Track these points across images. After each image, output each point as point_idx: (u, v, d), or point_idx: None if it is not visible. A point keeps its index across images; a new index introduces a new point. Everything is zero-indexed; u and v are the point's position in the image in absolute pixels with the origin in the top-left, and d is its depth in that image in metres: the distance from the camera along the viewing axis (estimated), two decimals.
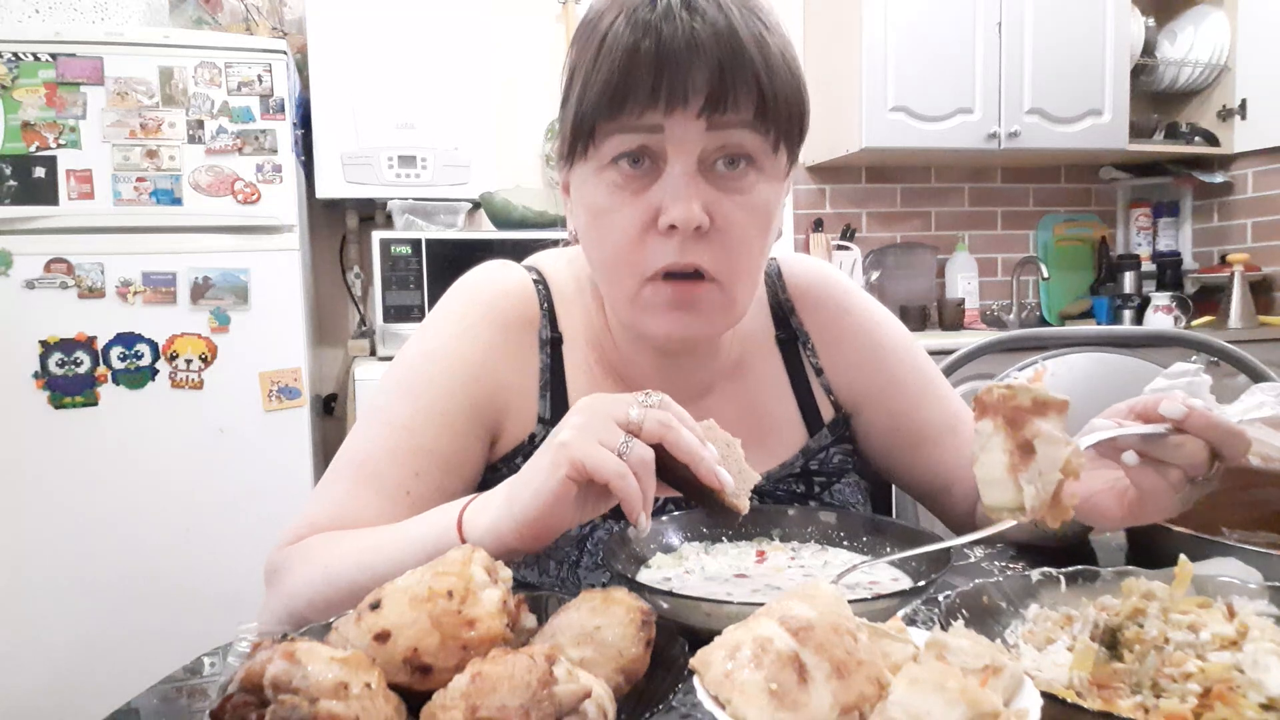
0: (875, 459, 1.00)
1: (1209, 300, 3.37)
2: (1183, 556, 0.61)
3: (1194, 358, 1.33)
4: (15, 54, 2.11)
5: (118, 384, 2.17)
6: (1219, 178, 3.46)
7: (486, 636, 0.48)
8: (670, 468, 0.63)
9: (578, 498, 0.62)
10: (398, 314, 2.41)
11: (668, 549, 0.79)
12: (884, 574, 0.74)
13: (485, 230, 2.74)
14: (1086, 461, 0.61)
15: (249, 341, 2.25)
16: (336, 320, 2.95)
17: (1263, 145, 3.32)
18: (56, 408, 2.14)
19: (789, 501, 0.92)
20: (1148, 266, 3.51)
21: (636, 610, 0.53)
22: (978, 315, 3.42)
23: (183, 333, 2.21)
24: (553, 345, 0.90)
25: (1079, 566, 0.66)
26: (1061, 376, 1.36)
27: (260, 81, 2.25)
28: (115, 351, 2.17)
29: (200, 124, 2.22)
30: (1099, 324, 3.36)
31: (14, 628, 2.12)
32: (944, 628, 0.53)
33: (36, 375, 2.13)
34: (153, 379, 2.20)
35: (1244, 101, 3.36)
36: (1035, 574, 0.65)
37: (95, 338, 2.16)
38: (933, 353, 1.02)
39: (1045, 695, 0.46)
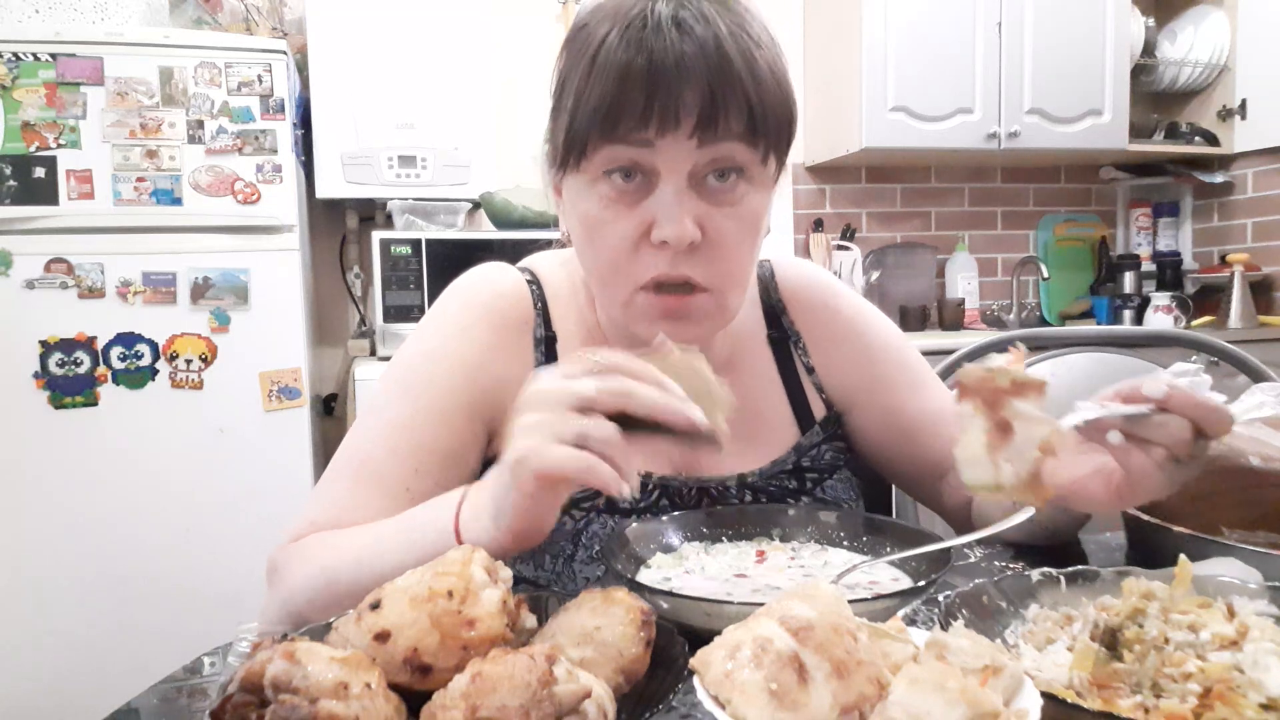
0: (869, 454, 1.01)
1: (1209, 300, 3.37)
2: (1183, 556, 0.61)
3: (1194, 358, 1.33)
4: (15, 54, 2.11)
5: (118, 384, 2.17)
6: (1219, 178, 3.46)
7: (486, 636, 0.48)
8: (641, 418, 0.61)
9: (555, 496, 0.62)
10: (398, 314, 2.41)
11: (668, 549, 0.80)
12: (884, 574, 0.74)
13: (485, 230, 2.74)
14: (1069, 441, 0.61)
15: (249, 341, 2.25)
16: (336, 320, 2.95)
17: (1263, 145, 3.32)
18: (56, 408, 2.14)
19: (781, 498, 0.92)
20: (1148, 266, 3.51)
21: (636, 610, 0.53)
22: (978, 315, 3.43)
23: (183, 333, 2.21)
24: (547, 344, 0.92)
25: (1079, 567, 0.66)
26: (1061, 376, 1.36)
27: (260, 81, 2.25)
28: (115, 351, 2.17)
29: (200, 124, 2.22)
30: (1099, 324, 3.36)
31: (14, 627, 2.12)
32: (944, 628, 0.53)
33: (36, 375, 2.13)
34: (153, 379, 2.20)
35: (1244, 101, 3.36)
36: (1035, 574, 0.65)
37: (95, 338, 2.16)
38: (932, 353, 1.03)
39: (1045, 695, 0.46)
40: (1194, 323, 3.25)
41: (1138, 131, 3.30)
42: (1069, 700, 0.48)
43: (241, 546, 2.15)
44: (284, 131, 2.28)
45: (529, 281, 0.94)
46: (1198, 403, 0.64)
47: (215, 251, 2.23)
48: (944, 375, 1.29)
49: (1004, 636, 0.60)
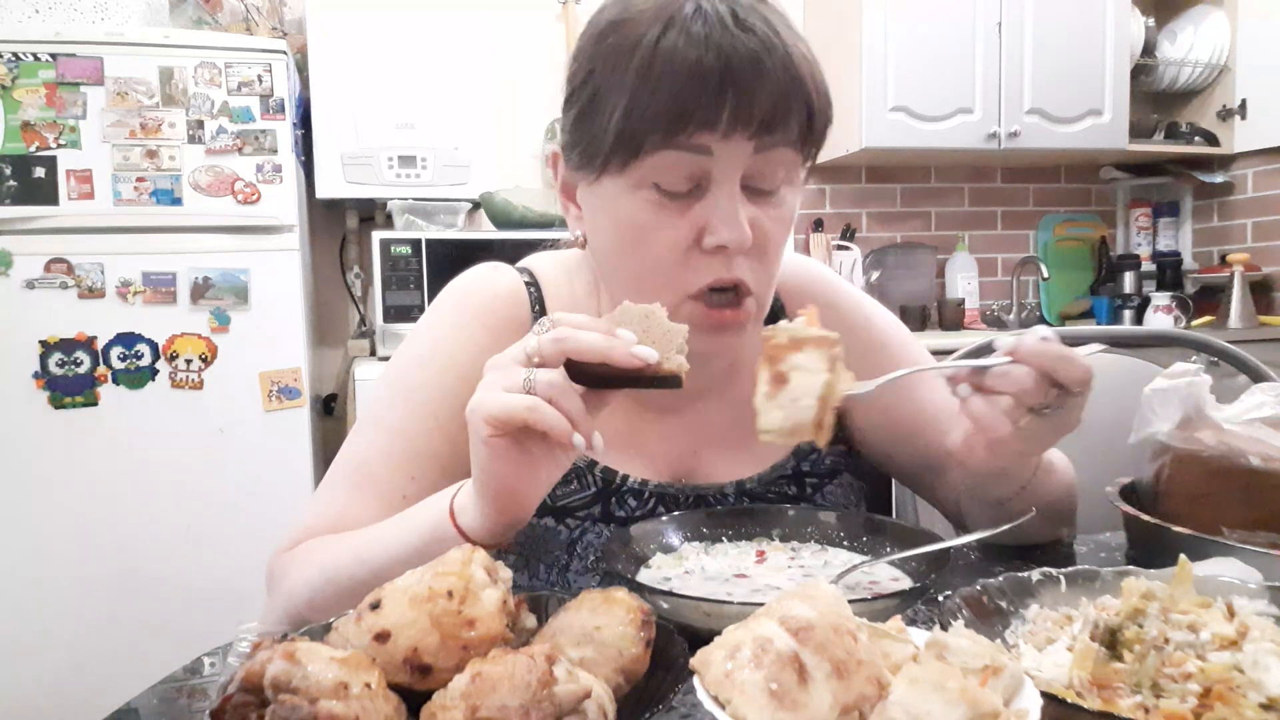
0: (871, 451, 1.00)
1: (1209, 300, 3.37)
2: (1183, 556, 0.61)
3: (1194, 358, 1.33)
4: (15, 54, 2.11)
5: (118, 384, 2.17)
6: (1219, 178, 3.46)
7: (486, 636, 0.48)
8: (604, 372, 0.62)
9: (521, 453, 0.62)
10: (398, 314, 2.41)
11: (668, 549, 0.80)
12: (884, 574, 0.74)
13: (485, 230, 2.74)
14: (853, 387, 0.66)
15: (249, 341, 2.25)
16: (336, 320, 2.95)
17: (1263, 145, 3.32)
18: (56, 408, 2.14)
19: (780, 504, 0.91)
20: (1148, 266, 3.51)
21: (636, 610, 0.53)
22: (978, 315, 3.43)
23: (183, 333, 2.21)
24: None
25: (1079, 567, 0.66)
26: None
27: (260, 81, 2.25)
28: (115, 351, 2.17)
29: (200, 124, 2.22)
30: (1099, 324, 3.36)
31: (14, 627, 2.12)
32: (944, 628, 0.53)
33: (36, 375, 2.13)
34: (153, 379, 2.20)
35: (1244, 101, 3.36)
36: (1035, 574, 0.65)
37: (95, 338, 2.16)
38: (933, 353, 1.02)
39: (1045, 695, 0.46)
40: (1194, 323, 3.25)
41: (1138, 131, 3.30)
42: (1069, 700, 0.49)
43: (241, 546, 2.15)
44: (284, 131, 2.28)
45: (527, 283, 0.92)
46: (1043, 350, 0.67)
47: (215, 251, 2.23)
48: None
49: (1004, 636, 0.60)
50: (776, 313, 0.98)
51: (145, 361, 2.19)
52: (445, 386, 0.84)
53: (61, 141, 2.14)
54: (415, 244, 2.42)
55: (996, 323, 3.48)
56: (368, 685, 0.44)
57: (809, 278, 1.00)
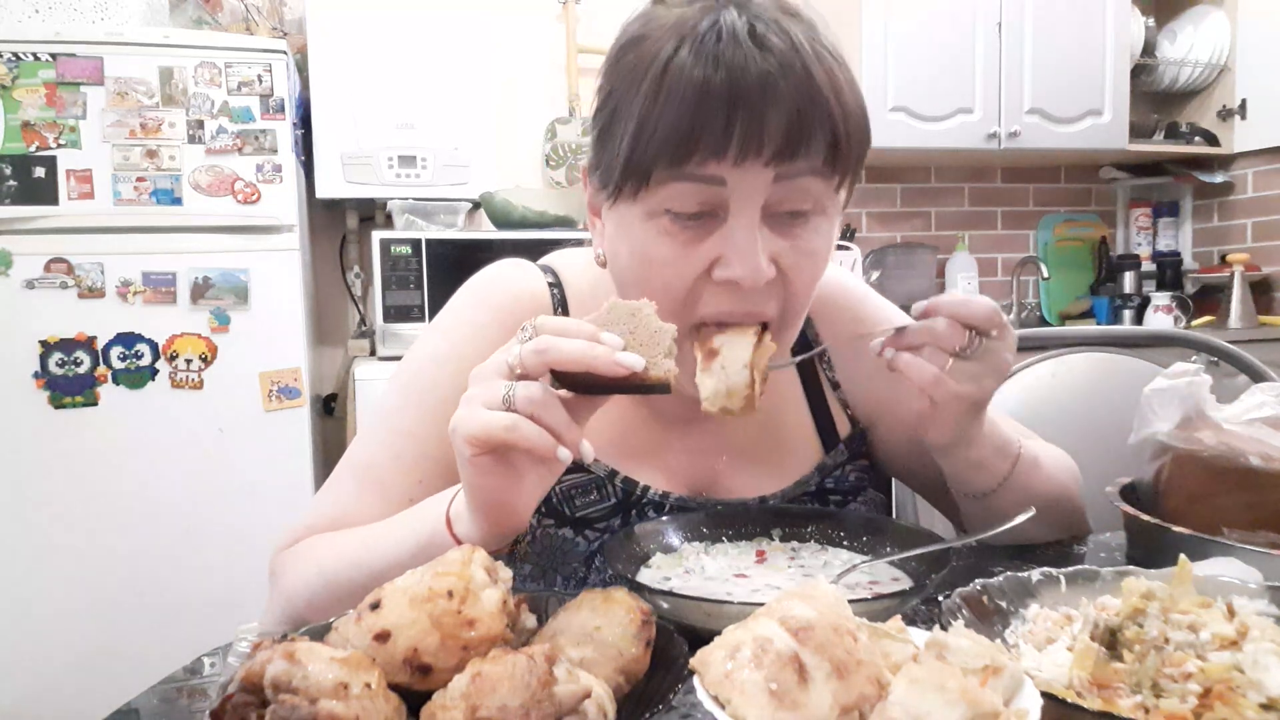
0: (892, 467, 0.98)
1: (1209, 300, 3.37)
2: (1183, 556, 0.61)
3: (1194, 358, 1.33)
4: (15, 54, 2.11)
5: (118, 384, 2.17)
6: (1219, 178, 3.45)
7: (486, 636, 0.48)
8: (589, 379, 0.60)
9: (507, 467, 0.61)
10: (398, 314, 2.41)
11: (668, 549, 0.79)
12: (884, 574, 0.74)
13: (485, 230, 2.74)
14: (785, 365, 0.76)
15: (249, 341, 2.25)
16: (336, 320, 2.95)
17: (1263, 145, 3.32)
18: (56, 408, 2.14)
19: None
20: (1148, 266, 3.51)
21: (636, 610, 0.53)
22: None
23: (183, 333, 2.21)
24: None
25: (1079, 567, 0.66)
26: (1061, 376, 1.36)
27: (260, 81, 2.25)
28: (115, 351, 2.17)
29: (200, 124, 2.22)
30: (1099, 324, 3.36)
31: (14, 627, 2.12)
32: (944, 628, 0.53)
33: (36, 375, 2.13)
34: (153, 379, 2.20)
35: (1244, 101, 3.36)
36: (1035, 574, 0.65)
37: (95, 338, 2.16)
38: None
39: (1045, 695, 0.46)
40: (1194, 323, 3.25)
41: (1138, 131, 3.30)
42: (1069, 700, 0.49)
43: (241, 546, 2.15)
44: (284, 131, 2.28)
45: (550, 283, 0.89)
46: (946, 301, 0.74)
47: (215, 251, 2.23)
48: None
49: (1004, 636, 0.60)
50: (804, 332, 0.95)
51: (145, 361, 2.19)
52: (459, 389, 0.82)
53: (61, 141, 2.14)
54: (415, 244, 2.42)
55: None
56: (368, 685, 0.44)
57: (836, 289, 0.96)
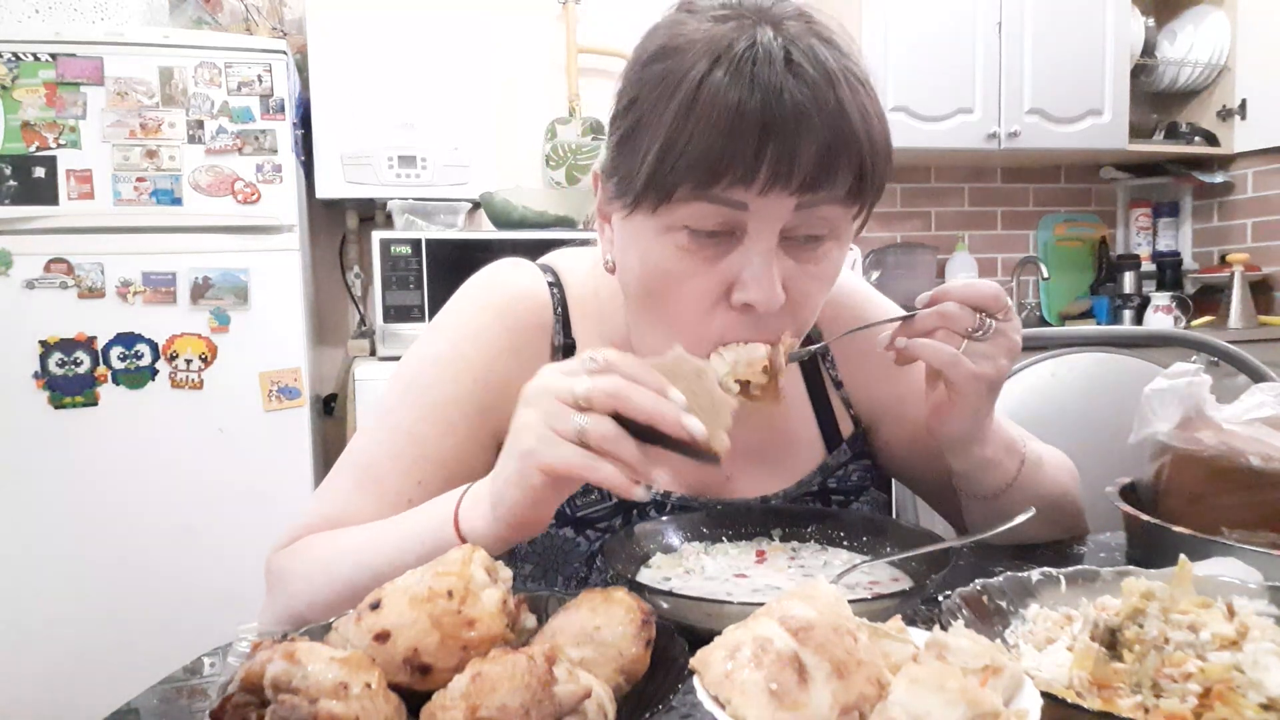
0: (895, 468, 0.98)
1: (1209, 300, 3.37)
2: (1183, 556, 0.61)
3: (1194, 358, 1.33)
4: (15, 54, 2.11)
5: (118, 384, 2.17)
6: (1219, 178, 3.45)
7: (486, 636, 0.48)
8: (642, 427, 0.60)
9: (558, 494, 0.61)
10: (398, 314, 2.41)
11: (668, 549, 0.80)
12: (884, 574, 0.74)
13: (485, 230, 2.74)
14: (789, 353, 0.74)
15: (249, 341, 2.25)
16: (336, 320, 2.95)
17: (1263, 145, 3.32)
18: (56, 408, 2.14)
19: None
20: (1148, 266, 3.51)
21: (636, 610, 0.53)
22: None
23: (183, 333, 2.21)
24: (565, 352, 0.87)
25: (1079, 567, 0.66)
26: (1061, 376, 1.36)
27: (260, 81, 2.25)
28: (115, 351, 2.17)
29: (200, 124, 2.22)
30: (1099, 324, 3.36)
31: (14, 627, 2.12)
32: (944, 628, 0.53)
33: (36, 375, 2.13)
34: (153, 379, 2.20)
35: (1244, 101, 3.36)
36: (1035, 574, 0.65)
37: (95, 338, 2.16)
38: None
39: (1045, 695, 0.46)
40: (1194, 323, 3.25)
41: (1138, 131, 3.30)
42: (1069, 700, 0.49)
43: (241, 546, 2.14)
44: (284, 131, 2.27)
45: (550, 283, 0.89)
46: (953, 287, 0.75)
47: (215, 251, 2.23)
48: None
49: (1004, 636, 0.60)
50: (809, 334, 0.96)
51: (145, 361, 2.19)
52: (460, 390, 0.82)
53: (61, 141, 2.14)
54: (415, 244, 2.42)
55: None
56: (368, 685, 0.44)
57: (839, 290, 0.94)
